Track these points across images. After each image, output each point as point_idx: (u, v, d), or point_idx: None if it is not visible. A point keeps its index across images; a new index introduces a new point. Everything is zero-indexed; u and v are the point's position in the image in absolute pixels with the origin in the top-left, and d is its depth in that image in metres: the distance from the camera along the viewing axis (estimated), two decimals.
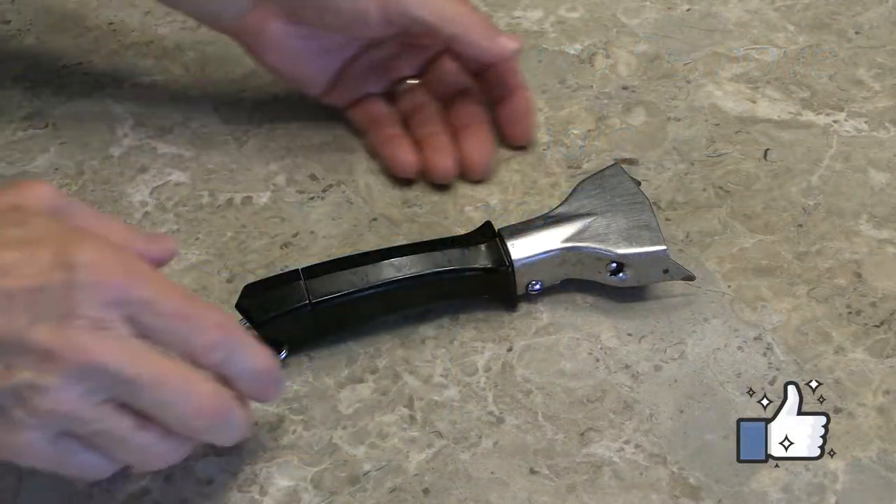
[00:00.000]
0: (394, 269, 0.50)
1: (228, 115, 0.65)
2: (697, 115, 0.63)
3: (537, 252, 0.51)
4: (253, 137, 0.63)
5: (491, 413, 0.49)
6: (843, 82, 0.66)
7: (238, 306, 0.49)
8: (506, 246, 0.51)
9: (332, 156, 0.62)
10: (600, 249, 0.51)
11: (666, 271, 0.52)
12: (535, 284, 0.52)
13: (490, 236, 0.52)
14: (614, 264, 0.51)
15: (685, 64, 0.67)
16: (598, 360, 0.51)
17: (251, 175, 0.61)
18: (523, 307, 0.54)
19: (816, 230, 0.57)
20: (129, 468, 0.43)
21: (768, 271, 0.55)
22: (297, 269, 0.50)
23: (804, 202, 0.58)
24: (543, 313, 0.53)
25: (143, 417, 0.41)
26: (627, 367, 0.51)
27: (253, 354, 0.43)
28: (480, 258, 0.51)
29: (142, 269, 0.40)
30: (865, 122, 0.63)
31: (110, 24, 0.72)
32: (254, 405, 0.49)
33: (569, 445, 0.48)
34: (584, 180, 0.54)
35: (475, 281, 0.51)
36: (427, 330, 0.53)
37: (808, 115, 0.64)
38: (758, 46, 0.69)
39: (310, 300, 0.49)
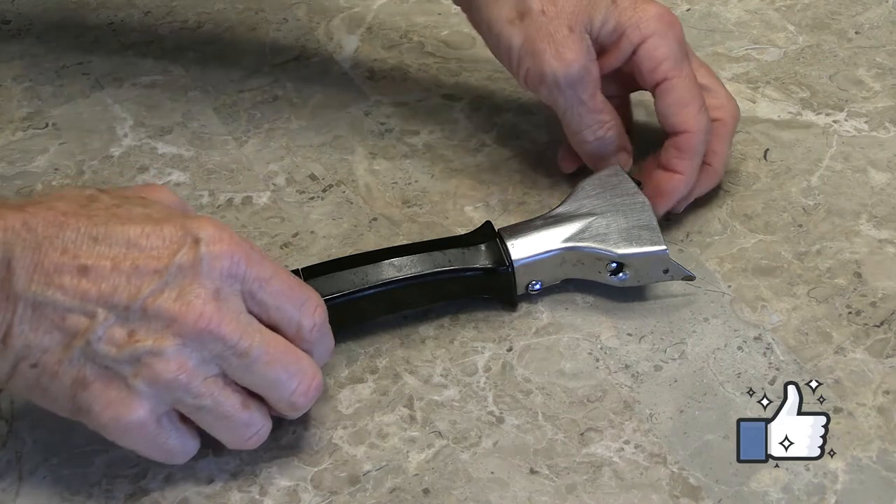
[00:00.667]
0: (394, 270, 0.50)
1: (228, 115, 0.65)
2: None
3: (537, 252, 0.51)
4: (253, 137, 0.63)
5: (491, 413, 0.49)
6: (843, 82, 0.66)
7: None
8: (506, 246, 0.51)
9: (332, 156, 0.62)
10: (600, 249, 0.51)
11: (666, 271, 0.52)
12: (536, 284, 0.52)
13: (490, 236, 0.52)
14: (614, 264, 0.51)
15: None
16: (598, 360, 0.51)
17: (251, 175, 0.61)
18: (523, 307, 0.54)
19: (816, 230, 0.57)
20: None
21: (768, 271, 0.55)
22: (298, 270, 0.50)
23: (804, 202, 0.58)
24: (543, 313, 0.53)
25: (248, 395, 0.43)
26: (627, 367, 0.51)
27: (330, 337, 0.46)
28: (480, 258, 0.51)
29: (256, 249, 0.43)
30: (865, 122, 0.63)
31: (110, 24, 0.72)
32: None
33: (569, 445, 0.48)
34: (584, 180, 0.54)
35: (475, 281, 0.51)
36: (427, 330, 0.53)
37: (808, 115, 0.64)
38: (758, 46, 0.69)
39: None
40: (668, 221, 0.57)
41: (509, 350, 0.52)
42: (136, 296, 0.40)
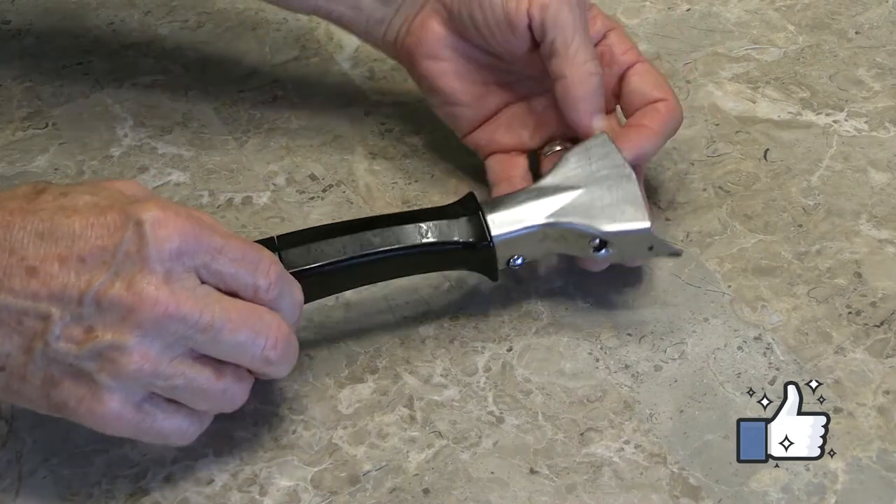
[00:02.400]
0: (372, 242, 0.48)
1: (228, 115, 0.65)
2: (697, 115, 0.63)
3: (518, 227, 0.49)
4: (253, 137, 0.63)
5: (491, 413, 0.49)
6: (843, 82, 0.66)
7: None
8: (486, 220, 0.49)
9: (332, 156, 0.62)
10: (583, 226, 0.49)
11: (651, 248, 0.50)
12: (517, 259, 0.50)
13: (471, 209, 0.50)
14: (597, 241, 0.49)
15: (685, 64, 0.67)
16: (598, 360, 0.51)
17: (251, 175, 0.61)
18: (523, 307, 0.54)
19: (816, 230, 0.57)
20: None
21: (768, 271, 0.55)
22: (273, 238, 0.48)
23: (804, 202, 0.58)
24: (543, 313, 0.53)
25: (219, 364, 0.43)
26: (627, 367, 0.51)
27: (295, 287, 0.46)
28: (461, 232, 0.49)
29: (204, 220, 0.43)
30: (865, 122, 0.63)
31: (110, 24, 0.72)
32: (253, 405, 0.49)
33: (569, 445, 0.48)
34: (570, 150, 0.52)
35: (455, 255, 0.50)
36: (427, 330, 0.53)
37: (808, 115, 0.64)
38: (758, 46, 0.69)
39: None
40: (669, 221, 0.57)
41: (509, 350, 0.52)
42: (86, 290, 0.40)
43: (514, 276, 0.55)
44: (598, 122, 0.52)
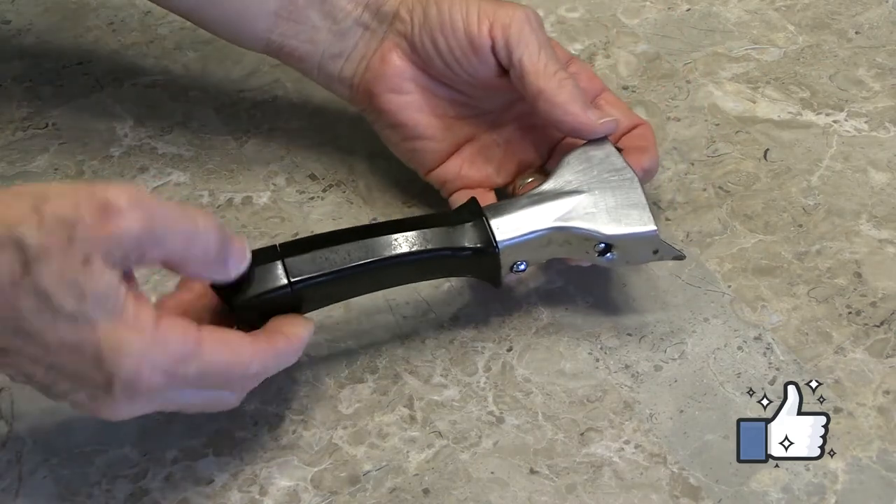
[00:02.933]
0: (378, 250, 0.48)
1: (228, 115, 0.65)
2: (697, 115, 0.63)
3: (523, 232, 0.49)
4: (253, 137, 0.63)
5: (491, 413, 0.49)
6: (843, 82, 0.66)
7: (213, 286, 0.46)
8: (490, 226, 0.49)
9: (332, 156, 0.62)
10: (588, 230, 0.49)
11: (655, 252, 0.50)
12: (521, 265, 0.50)
13: (475, 214, 0.49)
14: (602, 244, 0.49)
15: (685, 64, 0.67)
16: (598, 360, 0.51)
17: (251, 175, 0.61)
18: (523, 307, 0.54)
19: (816, 230, 0.57)
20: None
21: (768, 271, 0.55)
22: (275, 246, 0.47)
23: (804, 202, 0.58)
24: (543, 313, 0.53)
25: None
26: (627, 367, 0.51)
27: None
28: (465, 238, 0.49)
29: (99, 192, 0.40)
30: (865, 122, 0.63)
31: (110, 24, 0.72)
32: (253, 405, 0.49)
33: (569, 445, 0.48)
34: (569, 154, 0.51)
35: (459, 262, 0.49)
36: (427, 330, 0.53)
37: (808, 115, 0.64)
38: (758, 46, 0.69)
39: (289, 280, 0.46)
40: (669, 222, 0.57)
41: (509, 350, 0.52)
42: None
43: (515, 276, 0.55)
44: (594, 114, 0.51)
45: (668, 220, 0.57)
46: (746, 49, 0.68)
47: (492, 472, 0.47)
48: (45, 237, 0.38)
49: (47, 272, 0.38)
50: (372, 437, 0.48)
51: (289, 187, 0.60)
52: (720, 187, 0.59)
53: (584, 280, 0.54)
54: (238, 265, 0.43)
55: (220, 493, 0.46)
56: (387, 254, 0.48)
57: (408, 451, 0.48)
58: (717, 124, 0.63)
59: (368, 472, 0.47)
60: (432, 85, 0.54)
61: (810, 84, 0.66)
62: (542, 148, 0.56)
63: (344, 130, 0.63)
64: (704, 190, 0.59)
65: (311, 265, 0.47)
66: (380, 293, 0.54)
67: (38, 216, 0.38)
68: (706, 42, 0.69)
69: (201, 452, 0.48)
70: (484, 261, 0.49)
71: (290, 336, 0.45)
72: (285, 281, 0.46)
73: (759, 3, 0.72)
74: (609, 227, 0.49)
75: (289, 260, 0.46)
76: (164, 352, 0.40)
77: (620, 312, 0.53)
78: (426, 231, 0.49)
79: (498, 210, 0.50)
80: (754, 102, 0.65)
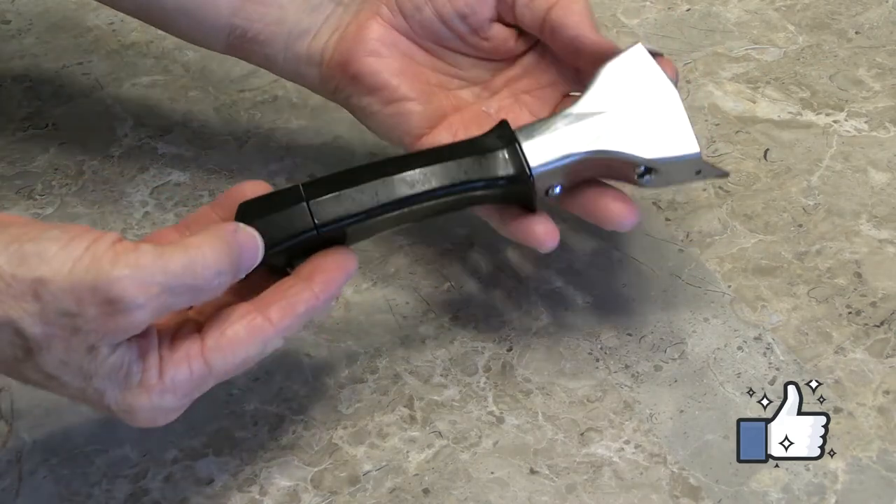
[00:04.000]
0: (406, 186, 0.45)
1: (228, 115, 0.65)
2: (697, 115, 0.63)
3: (558, 156, 0.46)
4: (253, 137, 0.63)
5: (491, 413, 0.49)
6: (843, 82, 0.66)
7: None
8: (523, 151, 0.46)
9: (332, 156, 0.62)
10: (629, 154, 0.46)
11: (698, 172, 0.47)
12: (556, 188, 0.47)
13: (507, 141, 0.46)
14: (643, 167, 0.46)
15: (685, 64, 0.67)
16: (598, 360, 0.51)
17: (251, 175, 0.61)
18: (523, 307, 0.54)
19: (816, 230, 0.57)
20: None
21: (768, 271, 0.55)
22: (298, 186, 0.44)
23: (804, 202, 0.58)
24: (543, 313, 0.53)
25: None
26: (627, 367, 0.51)
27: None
28: (498, 167, 0.46)
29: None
30: (865, 122, 0.63)
31: (110, 24, 0.72)
32: (253, 405, 0.49)
33: (569, 445, 0.48)
34: (606, 66, 0.47)
35: (491, 191, 0.47)
36: (427, 330, 0.53)
37: (808, 115, 0.64)
38: (758, 46, 0.69)
39: (315, 224, 0.44)
40: (669, 222, 0.57)
41: (509, 350, 0.52)
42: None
43: (515, 276, 0.55)
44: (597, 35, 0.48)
45: (668, 220, 0.57)
46: (746, 49, 0.68)
47: (492, 472, 0.47)
48: (47, 329, 0.37)
49: (50, 359, 0.38)
50: (372, 437, 0.48)
51: None
52: (720, 187, 0.59)
53: (584, 280, 0.54)
54: (248, 269, 0.42)
55: (220, 493, 0.46)
56: (416, 190, 0.45)
57: (408, 451, 0.48)
58: (717, 124, 0.63)
59: (368, 472, 0.47)
60: (414, 51, 0.52)
61: (810, 84, 0.66)
62: (542, 112, 0.52)
63: (344, 130, 0.63)
64: (704, 190, 0.59)
65: (337, 207, 0.44)
66: (379, 293, 0.54)
67: (39, 305, 0.37)
68: (706, 42, 0.69)
69: (201, 452, 0.48)
70: (518, 188, 0.47)
71: (319, 288, 0.43)
72: (311, 224, 0.44)
73: (759, 3, 0.72)
74: (651, 151, 0.46)
75: (315, 202, 0.44)
76: (175, 394, 0.40)
77: (620, 312, 0.53)
78: (455, 163, 0.46)
79: (530, 132, 0.46)
80: (754, 102, 0.65)
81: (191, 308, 0.44)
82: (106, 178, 0.61)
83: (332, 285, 0.43)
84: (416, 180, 0.45)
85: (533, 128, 0.47)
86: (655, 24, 0.70)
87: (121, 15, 0.72)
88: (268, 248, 0.43)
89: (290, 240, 0.44)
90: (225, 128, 0.64)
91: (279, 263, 0.44)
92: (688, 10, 0.72)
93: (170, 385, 0.40)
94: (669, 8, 0.72)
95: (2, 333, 0.37)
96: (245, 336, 0.41)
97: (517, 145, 0.46)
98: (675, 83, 0.48)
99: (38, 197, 0.60)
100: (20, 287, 0.36)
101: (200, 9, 0.53)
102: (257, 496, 0.46)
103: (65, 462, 0.48)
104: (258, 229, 0.42)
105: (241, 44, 0.54)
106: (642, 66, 0.47)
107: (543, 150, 0.46)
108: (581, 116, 0.46)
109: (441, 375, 0.51)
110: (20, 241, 0.37)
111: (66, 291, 0.36)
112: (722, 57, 0.68)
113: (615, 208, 0.47)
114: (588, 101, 0.47)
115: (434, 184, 0.45)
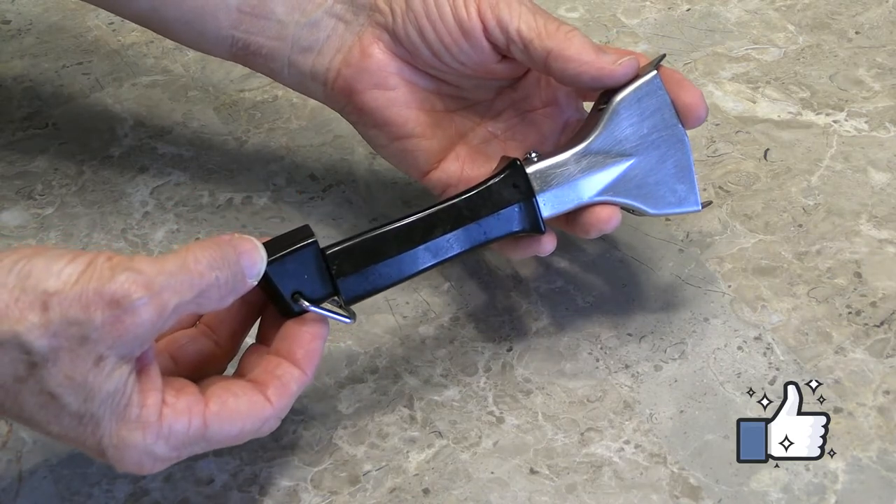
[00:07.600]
0: (430, 255, 0.46)
1: (228, 115, 0.65)
2: None
3: (570, 207, 0.48)
4: (253, 137, 0.63)
5: (491, 413, 0.49)
6: (843, 82, 0.66)
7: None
8: (538, 206, 0.47)
9: (332, 156, 0.62)
10: (636, 206, 0.48)
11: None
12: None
13: (524, 194, 0.47)
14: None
15: (685, 64, 0.67)
16: (598, 360, 0.51)
17: (251, 175, 0.61)
18: (523, 307, 0.54)
19: (816, 230, 0.57)
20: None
21: (768, 271, 0.55)
22: (317, 244, 0.45)
23: (804, 202, 0.58)
24: (543, 313, 0.53)
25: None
26: (627, 367, 0.51)
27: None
28: (514, 223, 0.47)
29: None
30: (865, 122, 0.63)
31: (110, 24, 0.72)
32: None
33: (569, 445, 0.48)
34: (621, 98, 0.48)
35: (505, 238, 0.48)
36: (427, 330, 0.53)
37: (808, 115, 0.64)
38: (758, 46, 0.69)
39: (343, 302, 0.45)
40: (669, 222, 0.57)
41: (509, 350, 0.52)
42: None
43: (515, 276, 0.55)
44: (608, 58, 0.48)
45: (668, 220, 0.57)
46: (746, 49, 0.68)
47: (492, 472, 0.47)
48: (54, 341, 0.37)
49: (55, 373, 0.37)
50: (372, 437, 0.48)
51: (289, 187, 0.60)
52: (720, 187, 0.59)
53: (584, 280, 0.54)
54: (254, 277, 0.42)
55: (220, 493, 0.46)
56: (439, 259, 0.47)
57: (408, 451, 0.48)
58: (717, 124, 0.63)
59: (368, 472, 0.47)
60: (418, 78, 0.52)
61: (810, 84, 0.66)
62: (549, 130, 0.53)
63: (344, 130, 0.63)
64: (704, 190, 0.59)
65: (364, 283, 0.46)
66: (380, 293, 0.54)
67: (47, 317, 0.37)
68: (706, 42, 0.69)
69: (201, 452, 0.48)
70: (529, 233, 0.48)
71: (304, 364, 0.44)
72: (337, 299, 0.45)
73: (759, 3, 0.72)
74: (656, 205, 0.48)
75: (342, 280, 0.45)
76: (168, 443, 0.40)
77: (620, 312, 0.53)
78: (476, 224, 0.47)
79: (545, 179, 0.47)
80: (754, 102, 0.65)
81: (199, 319, 0.45)
82: (106, 178, 0.61)
83: (315, 357, 0.44)
84: (439, 248, 0.47)
85: (548, 173, 0.48)
86: (655, 24, 0.70)
87: None
88: (299, 311, 0.44)
89: (319, 303, 0.45)
90: (225, 128, 0.64)
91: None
92: (688, 10, 0.72)
93: (166, 431, 0.40)
94: (669, 8, 0.72)
95: (6, 351, 0.37)
96: (246, 410, 0.42)
97: (534, 201, 0.47)
98: (703, 114, 0.48)
99: (38, 197, 0.60)
100: (28, 299, 0.37)
101: (200, 20, 0.53)
102: (257, 496, 0.46)
103: (65, 462, 0.48)
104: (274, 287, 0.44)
105: (244, 55, 0.54)
106: (657, 104, 0.48)
107: (557, 201, 0.48)
108: (594, 163, 0.48)
109: (441, 375, 0.51)
110: (28, 258, 0.38)
111: (73, 300, 0.37)
112: (722, 57, 0.68)
113: (601, 213, 0.48)
114: (603, 140, 0.48)
115: (457, 249, 0.47)
